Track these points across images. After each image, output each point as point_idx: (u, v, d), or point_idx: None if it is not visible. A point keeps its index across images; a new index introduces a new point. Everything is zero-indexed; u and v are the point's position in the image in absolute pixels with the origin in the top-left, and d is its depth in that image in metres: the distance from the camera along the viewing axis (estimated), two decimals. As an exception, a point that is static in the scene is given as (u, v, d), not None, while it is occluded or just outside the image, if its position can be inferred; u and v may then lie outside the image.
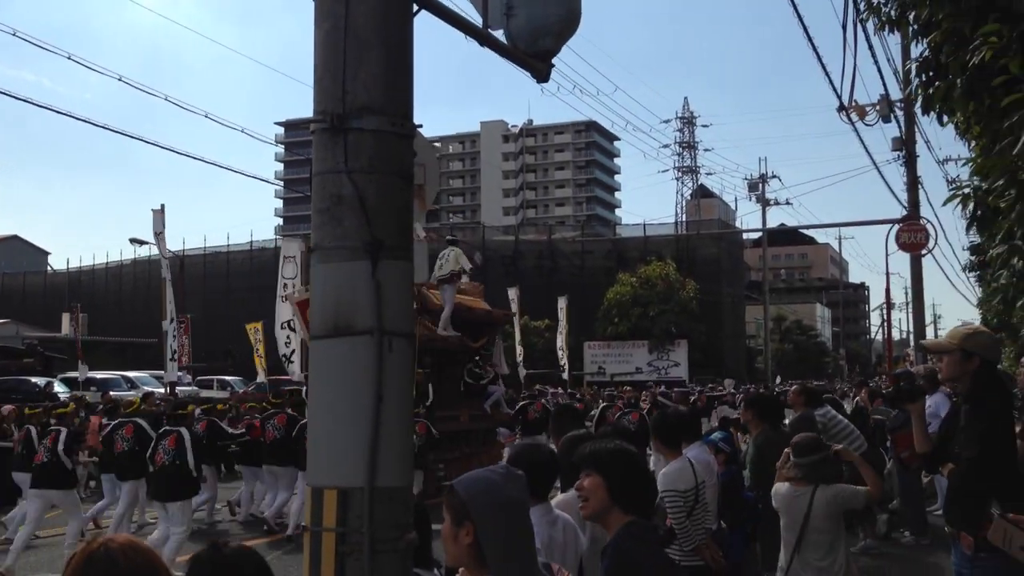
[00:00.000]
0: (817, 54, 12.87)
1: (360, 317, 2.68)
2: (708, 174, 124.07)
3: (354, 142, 2.75)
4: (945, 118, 5.65)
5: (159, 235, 21.74)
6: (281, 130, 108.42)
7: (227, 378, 34.67)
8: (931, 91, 5.06)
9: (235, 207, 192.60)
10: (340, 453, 2.65)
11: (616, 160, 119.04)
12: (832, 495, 5.03)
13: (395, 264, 2.76)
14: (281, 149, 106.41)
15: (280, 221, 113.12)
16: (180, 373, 22.43)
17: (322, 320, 2.74)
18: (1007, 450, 4.07)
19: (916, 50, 6.34)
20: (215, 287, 60.53)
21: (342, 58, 2.76)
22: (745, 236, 66.06)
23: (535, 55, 3.51)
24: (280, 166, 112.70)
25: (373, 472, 2.61)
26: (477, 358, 16.51)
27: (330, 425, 2.70)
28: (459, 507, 2.51)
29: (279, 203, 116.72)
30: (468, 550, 2.48)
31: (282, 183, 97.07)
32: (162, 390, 21.63)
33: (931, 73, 5.29)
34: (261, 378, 23.15)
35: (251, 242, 63.07)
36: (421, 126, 2.96)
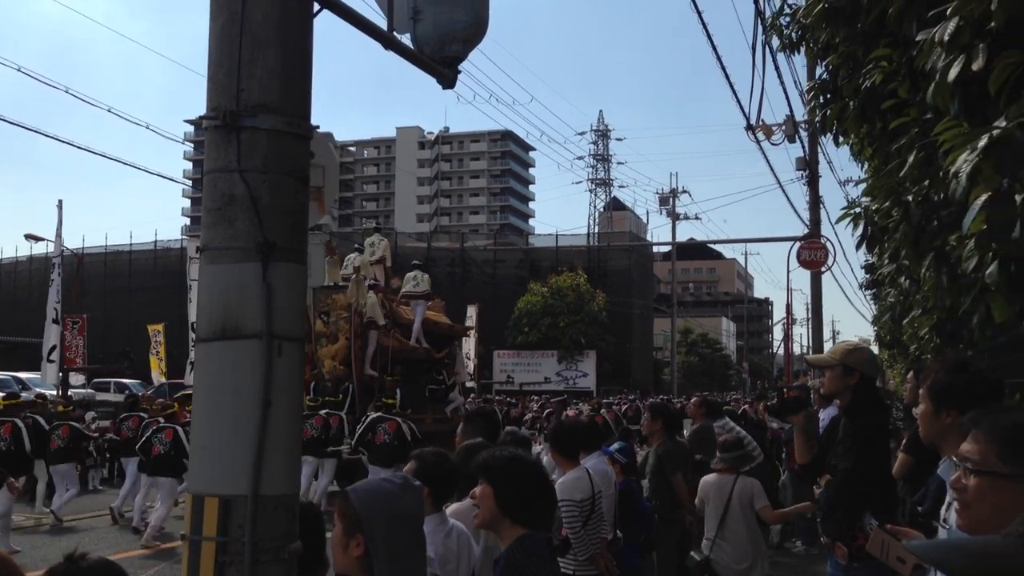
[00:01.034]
0: (725, 73, 13.21)
1: (249, 320, 2.61)
2: (621, 187, 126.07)
3: (248, 141, 2.68)
4: (841, 139, 5.85)
5: (59, 233, 20.95)
6: (191, 128, 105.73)
7: (125, 380, 33.53)
8: (827, 112, 5.23)
9: (140, 206, 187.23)
10: (224, 460, 2.57)
11: (531, 170, 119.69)
12: (748, 484, 6.22)
13: (287, 267, 2.70)
14: (191, 147, 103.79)
15: (188, 221, 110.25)
16: (70, 374, 21.52)
17: (209, 322, 2.66)
18: (881, 463, 4.24)
19: (819, 71, 6.54)
20: (116, 287, 58.61)
21: (237, 54, 2.68)
22: (655, 249, 67.05)
23: (442, 61, 3.48)
24: (190, 164, 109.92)
25: (258, 479, 2.53)
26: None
27: (214, 430, 2.61)
28: (352, 517, 2.47)
29: (187, 203, 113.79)
30: (357, 562, 2.44)
31: (190, 182, 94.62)
32: (55, 392, 20.81)
33: (829, 95, 5.48)
34: (159, 380, 22.46)
35: (155, 241, 61.33)
36: (318, 127, 2.90)
